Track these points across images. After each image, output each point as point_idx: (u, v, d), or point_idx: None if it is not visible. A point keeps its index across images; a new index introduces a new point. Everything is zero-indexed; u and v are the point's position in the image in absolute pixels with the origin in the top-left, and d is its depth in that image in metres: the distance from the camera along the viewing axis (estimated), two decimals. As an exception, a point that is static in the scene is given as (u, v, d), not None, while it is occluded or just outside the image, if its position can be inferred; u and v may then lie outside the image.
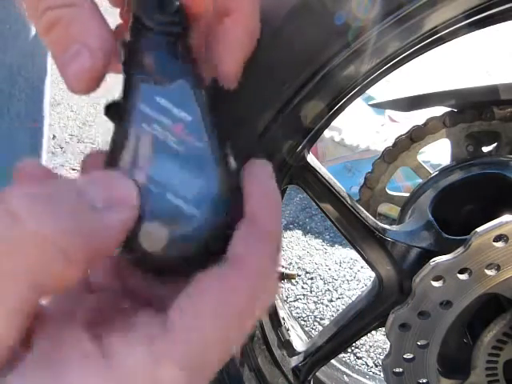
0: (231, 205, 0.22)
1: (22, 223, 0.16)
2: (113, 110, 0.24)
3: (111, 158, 0.22)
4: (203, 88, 0.23)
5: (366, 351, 1.08)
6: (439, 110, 0.60)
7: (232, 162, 0.23)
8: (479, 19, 0.37)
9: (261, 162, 0.23)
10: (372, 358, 1.08)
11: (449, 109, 0.59)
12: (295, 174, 0.43)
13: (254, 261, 0.20)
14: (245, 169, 0.23)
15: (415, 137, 0.61)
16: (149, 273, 0.22)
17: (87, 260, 0.17)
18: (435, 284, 0.42)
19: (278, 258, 0.22)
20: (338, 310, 1.12)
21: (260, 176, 0.23)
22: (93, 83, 0.23)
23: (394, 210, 0.64)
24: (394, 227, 0.52)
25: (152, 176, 0.21)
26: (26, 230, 0.16)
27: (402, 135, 0.62)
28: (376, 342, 1.09)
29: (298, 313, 1.11)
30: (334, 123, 0.43)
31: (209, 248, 0.22)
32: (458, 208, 0.55)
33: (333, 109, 0.40)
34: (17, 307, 0.16)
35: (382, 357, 1.07)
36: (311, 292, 1.17)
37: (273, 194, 0.22)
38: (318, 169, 0.44)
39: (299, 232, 1.40)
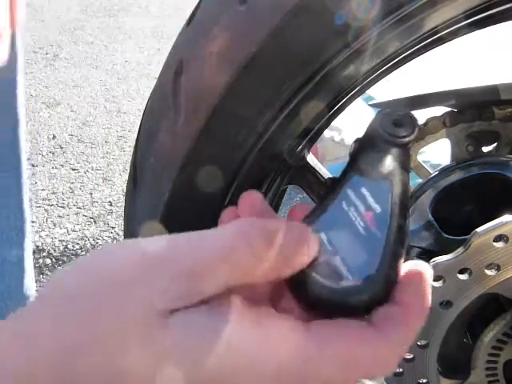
0: (384, 284, 0.27)
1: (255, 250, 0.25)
2: (331, 182, 0.33)
3: (312, 213, 0.29)
4: (401, 191, 0.29)
5: (366, 351, 1.08)
6: (439, 110, 0.60)
7: (399, 256, 0.28)
8: (479, 19, 0.37)
9: (425, 266, 0.28)
10: (372, 357, 1.08)
11: (449, 109, 0.59)
12: (295, 174, 0.43)
13: (392, 331, 0.25)
14: (409, 268, 0.28)
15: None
16: (300, 303, 0.28)
17: (273, 273, 0.26)
18: (435, 284, 0.42)
19: (407, 347, 0.27)
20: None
21: (421, 276, 0.28)
22: None
23: (393, 210, 0.64)
24: (394, 227, 0.52)
25: (332, 240, 0.28)
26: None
27: (402, 135, 0.62)
28: (376, 342, 1.09)
29: (297, 313, 1.11)
30: (334, 123, 0.43)
31: (353, 308, 0.27)
32: (458, 208, 0.55)
33: (333, 109, 0.40)
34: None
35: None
36: (311, 292, 1.17)
37: (428, 292, 0.27)
38: (318, 169, 0.44)
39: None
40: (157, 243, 0.25)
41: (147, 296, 0.23)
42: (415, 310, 0.26)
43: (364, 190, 0.29)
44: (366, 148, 0.30)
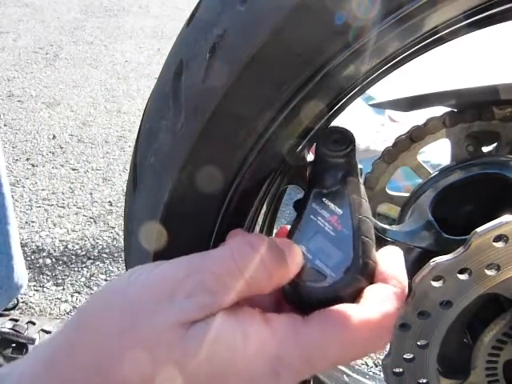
0: (361, 271, 0.31)
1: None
2: (297, 204, 0.37)
3: (291, 231, 0.35)
4: (354, 192, 0.35)
5: (366, 351, 1.08)
6: (439, 110, 0.60)
7: (368, 244, 0.33)
8: (479, 19, 0.37)
9: (395, 248, 0.35)
10: (372, 357, 1.08)
11: (449, 109, 0.59)
12: (295, 174, 0.43)
13: (380, 307, 0.30)
14: (382, 251, 0.34)
15: (415, 137, 0.61)
16: (297, 308, 0.32)
17: (276, 284, 0.30)
18: (435, 284, 0.42)
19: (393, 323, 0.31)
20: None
21: (393, 256, 0.34)
22: None
23: (393, 210, 0.64)
24: (394, 227, 0.52)
25: (310, 248, 0.33)
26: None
27: (401, 135, 0.62)
28: (376, 342, 1.09)
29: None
30: (333, 123, 0.43)
31: (339, 299, 0.31)
32: (458, 208, 0.55)
33: (333, 109, 0.40)
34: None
35: (381, 357, 1.07)
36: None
37: (402, 267, 0.33)
38: (318, 169, 0.44)
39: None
40: (176, 265, 0.29)
41: (170, 312, 0.27)
42: (395, 284, 0.32)
43: (325, 200, 0.34)
44: (318, 166, 0.36)
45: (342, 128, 0.37)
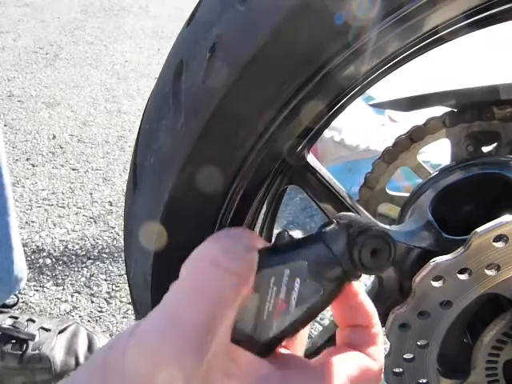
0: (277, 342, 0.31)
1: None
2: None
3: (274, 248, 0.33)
4: (322, 303, 0.31)
5: (366, 351, 1.08)
6: (439, 110, 0.60)
7: (280, 340, 0.31)
8: (479, 19, 0.37)
9: (359, 284, 0.34)
10: (372, 357, 1.07)
11: (449, 109, 0.59)
12: (295, 174, 0.43)
13: (376, 352, 0.34)
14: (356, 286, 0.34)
15: (415, 137, 0.61)
16: (253, 352, 0.29)
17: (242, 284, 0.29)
18: (435, 284, 0.42)
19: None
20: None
21: (365, 295, 0.36)
22: None
23: (393, 210, 0.64)
24: (394, 227, 0.52)
25: (246, 303, 0.29)
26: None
27: (401, 135, 0.62)
28: (376, 342, 1.09)
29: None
30: (334, 123, 0.43)
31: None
32: (458, 208, 0.55)
33: (333, 109, 0.40)
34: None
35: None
36: (311, 292, 1.16)
37: (371, 310, 0.36)
38: (317, 169, 0.44)
39: (299, 232, 1.40)
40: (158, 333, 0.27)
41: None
42: (375, 328, 0.34)
43: (297, 282, 0.29)
44: (323, 253, 0.30)
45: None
